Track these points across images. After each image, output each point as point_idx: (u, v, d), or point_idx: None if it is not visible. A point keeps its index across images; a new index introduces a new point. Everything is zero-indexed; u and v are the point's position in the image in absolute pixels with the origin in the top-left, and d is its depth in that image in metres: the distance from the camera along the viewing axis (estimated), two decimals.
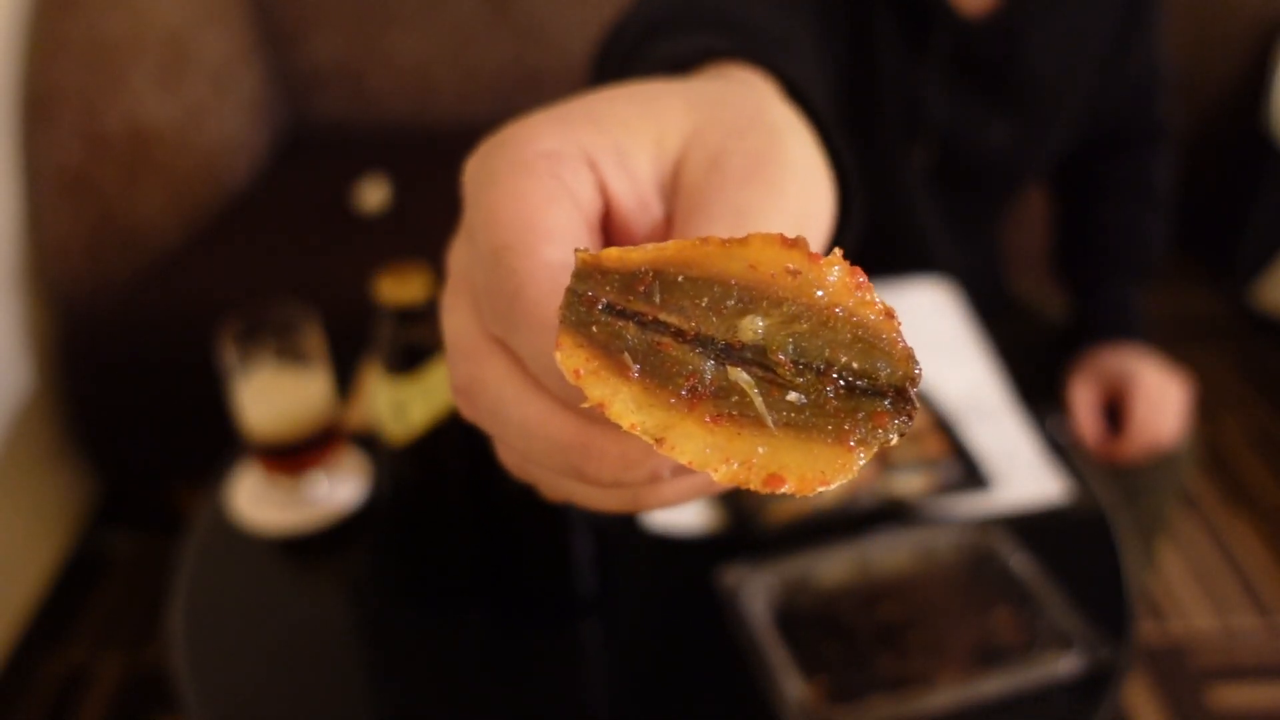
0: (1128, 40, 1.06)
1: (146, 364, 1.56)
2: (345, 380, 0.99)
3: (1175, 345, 2.19)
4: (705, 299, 0.23)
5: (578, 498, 0.28)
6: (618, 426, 0.23)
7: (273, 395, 0.81)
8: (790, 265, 0.23)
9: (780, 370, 0.23)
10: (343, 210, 1.76)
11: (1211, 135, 2.33)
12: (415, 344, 0.64)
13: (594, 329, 0.23)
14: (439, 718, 0.66)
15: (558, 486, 0.28)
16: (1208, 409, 2.01)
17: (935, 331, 1.01)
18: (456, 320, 0.28)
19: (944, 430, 0.88)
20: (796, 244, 0.23)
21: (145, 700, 1.52)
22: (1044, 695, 0.65)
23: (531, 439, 0.26)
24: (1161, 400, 1.06)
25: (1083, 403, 1.09)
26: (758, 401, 0.23)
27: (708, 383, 0.23)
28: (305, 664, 0.71)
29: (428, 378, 0.65)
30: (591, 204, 0.28)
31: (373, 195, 1.76)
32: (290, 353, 0.81)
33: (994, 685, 0.65)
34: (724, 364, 0.23)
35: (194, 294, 1.57)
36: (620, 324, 0.23)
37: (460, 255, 0.29)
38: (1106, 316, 1.16)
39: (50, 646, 1.61)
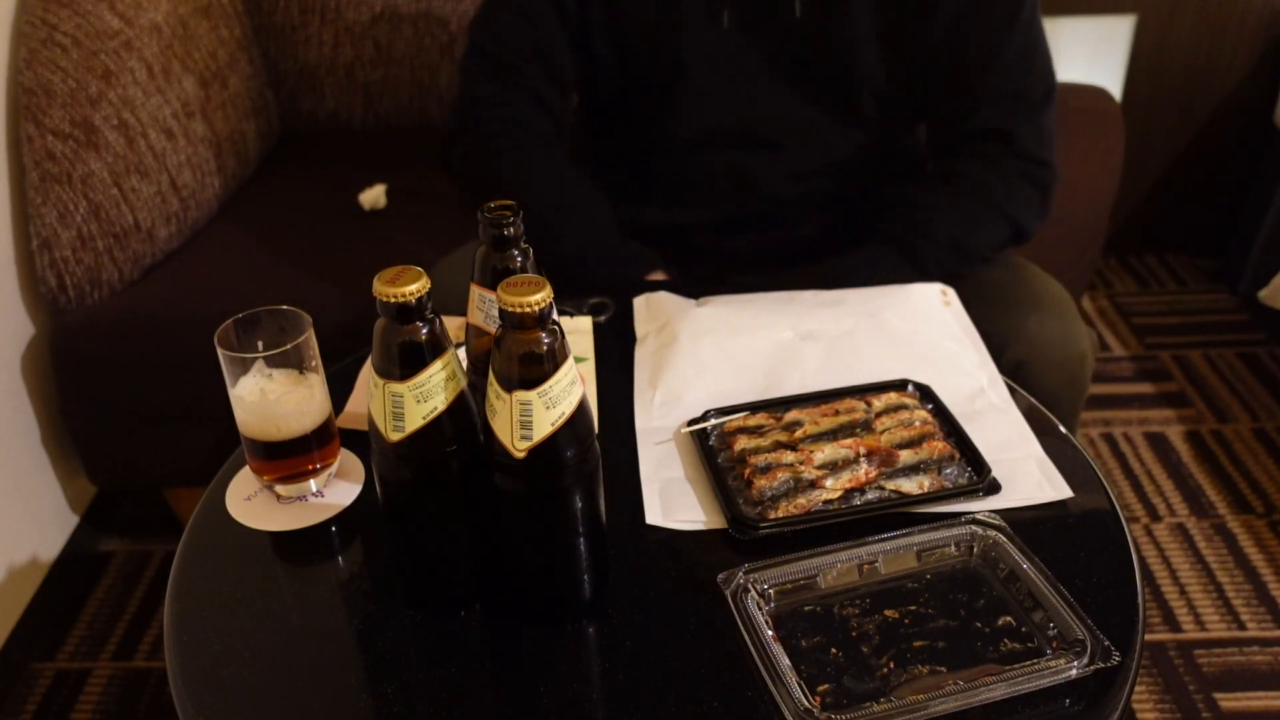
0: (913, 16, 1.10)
1: (140, 364, 1.55)
2: (341, 380, 0.98)
3: (1181, 344, 2.19)
4: None
5: None
6: None
7: (267, 396, 0.81)
8: None
9: None
10: (338, 209, 1.76)
11: (1224, 132, 2.32)
12: (411, 344, 0.64)
13: None
14: (436, 718, 0.66)
15: None
16: (1217, 409, 2.01)
17: (935, 331, 1.01)
18: None
19: (944, 430, 0.87)
20: None
21: (140, 702, 1.52)
22: (1049, 699, 0.64)
23: None
24: None
25: None
26: None
27: None
28: (301, 665, 0.71)
29: (423, 378, 0.64)
30: None
31: (369, 194, 1.76)
32: (285, 353, 0.80)
33: (998, 689, 0.64)
34: None
35: (188, 293, 1.56)
36: None
37: None
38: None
39: (44, 648, 1.60)
